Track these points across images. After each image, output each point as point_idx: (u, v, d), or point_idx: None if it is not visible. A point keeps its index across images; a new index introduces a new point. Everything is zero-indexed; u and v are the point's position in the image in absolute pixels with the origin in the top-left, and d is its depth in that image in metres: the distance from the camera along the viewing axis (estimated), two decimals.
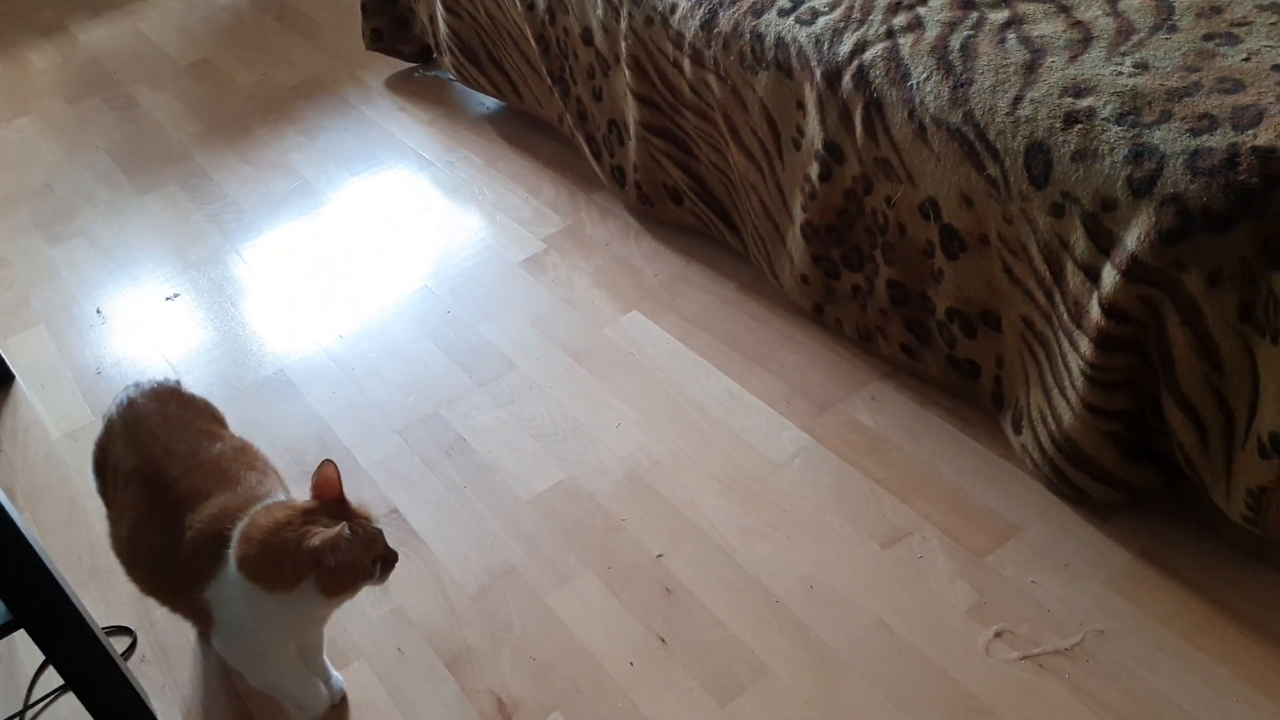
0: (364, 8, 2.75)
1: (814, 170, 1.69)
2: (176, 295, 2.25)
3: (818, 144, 1.67)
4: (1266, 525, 1.32)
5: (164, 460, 1.36)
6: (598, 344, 1.95)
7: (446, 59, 2.59)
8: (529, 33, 2.24)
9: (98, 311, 2.24)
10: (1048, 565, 1.46)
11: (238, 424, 1.93)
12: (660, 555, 1.58)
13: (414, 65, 2.89)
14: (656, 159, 2.05)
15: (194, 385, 2.01)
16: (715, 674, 1.42)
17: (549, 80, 2.27)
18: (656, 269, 2.09)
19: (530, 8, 2.20)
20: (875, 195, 1.63)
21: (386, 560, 1.30)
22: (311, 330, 2.10)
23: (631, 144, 2.08)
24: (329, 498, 1.30)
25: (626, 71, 1.99)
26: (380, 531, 1.30)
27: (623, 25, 1.96)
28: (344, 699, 1.47)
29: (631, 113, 2.04)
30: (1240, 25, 1.42)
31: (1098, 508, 1.51)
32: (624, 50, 1.98)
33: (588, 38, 2.08)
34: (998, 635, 1.40)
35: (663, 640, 1.47)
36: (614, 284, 2.07)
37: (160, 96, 2.97)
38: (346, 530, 1.22)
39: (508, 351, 1.97)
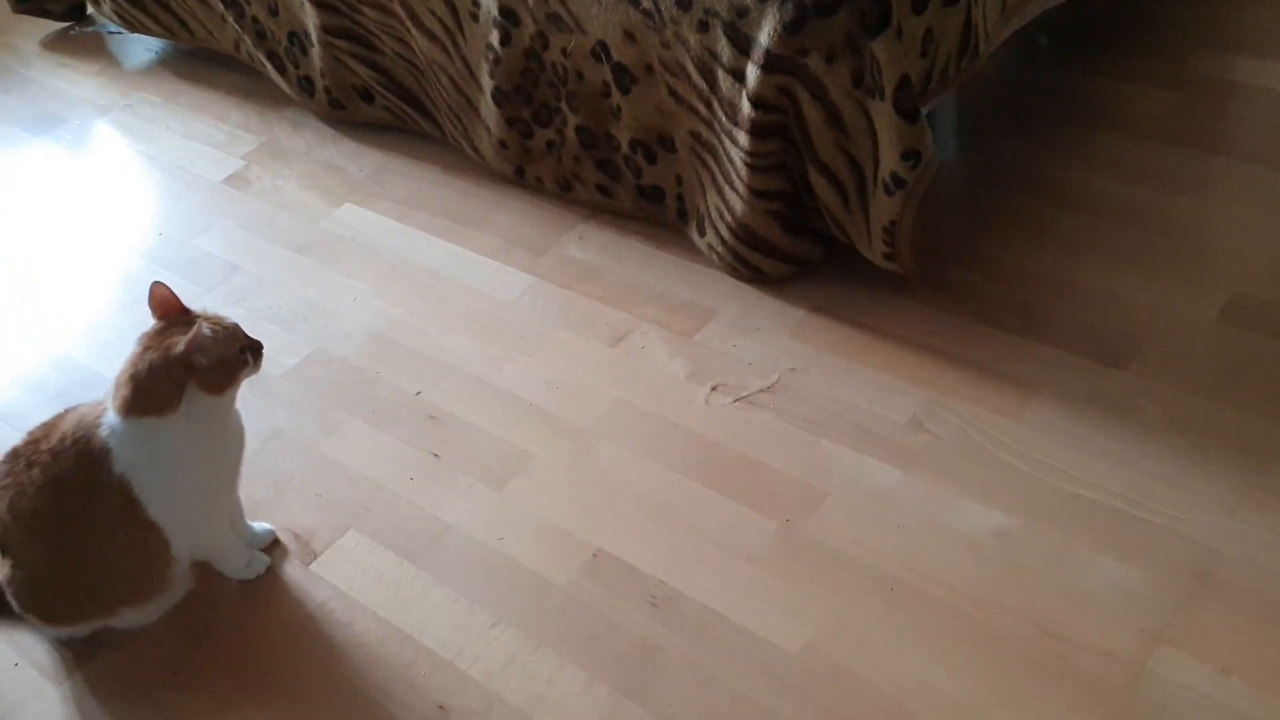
0: None
1: (494, 37, 1.89)
2: None
3: (494, 11, 1.86)
4: (900, 257, 1.67)
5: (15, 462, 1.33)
6: (317, 236, 2.06)
7: (107, 7, 2.57)
8: None
9: None
10: (742, 332, 1.75)
11: None
12: (419, 393, 1.74)
13: (68, 24, 2.82)
14: (342, 61, 2.18)
15: None
16: (487, 468, 1.60)
17: (221, 6, 2.32)
18: (360, 165, 2.22)
19: None
20: (552, 50, 1.85)
21: (254, 349, 1.36)
22: (16, 279, 2.08)
23: (315, 50, 2.19)
24: (173, 313, 1.33)
25: None
26: (237, 325, 1.35)
27: None
28: (275, 540, 1.54)
29: (310, 19, 2.15)
30: None
31: (774, 282, 1.81)
32: None
33: None
34: (713, 389, 1.67)
35: (436, 455, 1.63)
36: (321, 184, 2.18)
37: None
38: (204, 328, 1.27)
39: (229, 257, 2.04)
